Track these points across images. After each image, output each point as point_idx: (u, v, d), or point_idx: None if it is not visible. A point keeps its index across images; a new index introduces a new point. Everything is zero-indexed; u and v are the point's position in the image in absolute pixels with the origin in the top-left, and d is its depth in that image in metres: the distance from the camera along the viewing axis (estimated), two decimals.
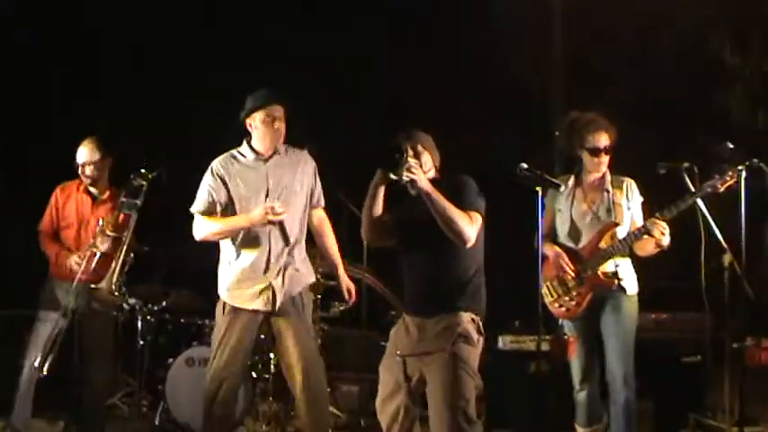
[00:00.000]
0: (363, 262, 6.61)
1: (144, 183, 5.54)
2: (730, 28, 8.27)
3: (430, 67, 8.34)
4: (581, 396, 5.42)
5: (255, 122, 5.20)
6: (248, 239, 5.16)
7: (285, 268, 5.18)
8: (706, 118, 8.10)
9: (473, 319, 4.43)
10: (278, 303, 5.15)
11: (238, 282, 5.19)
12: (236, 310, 5.18)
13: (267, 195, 5.17)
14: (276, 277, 5.16)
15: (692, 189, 5.11)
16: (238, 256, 5.19)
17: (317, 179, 5.41)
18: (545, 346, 5.54)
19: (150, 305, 6.88)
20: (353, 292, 5.50)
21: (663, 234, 5.14)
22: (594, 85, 8.28)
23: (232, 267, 5.21)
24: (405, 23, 8.52)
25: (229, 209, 5.19)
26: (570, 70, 8.60)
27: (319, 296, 6.34)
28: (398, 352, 4.50)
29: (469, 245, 4.35)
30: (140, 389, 6.79)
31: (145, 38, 8.40)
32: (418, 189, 4.28)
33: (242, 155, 5.25)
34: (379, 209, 4.49)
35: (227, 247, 5.24)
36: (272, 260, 5.15)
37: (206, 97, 8.15)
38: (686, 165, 5.10)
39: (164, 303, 6.93)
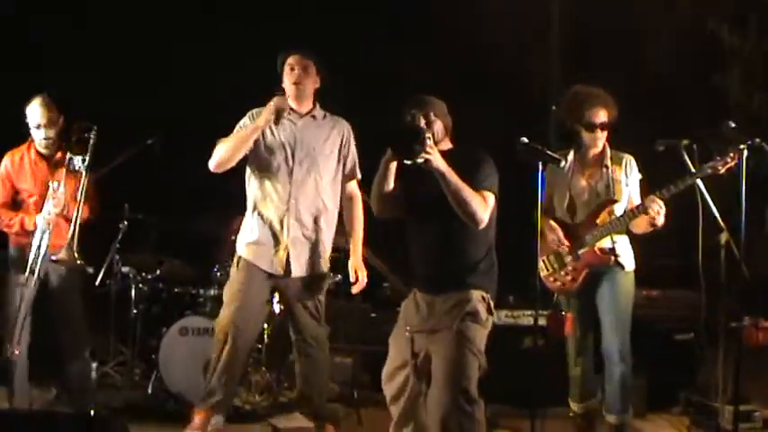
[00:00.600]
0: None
1: (88, 135, 5.36)
2: (729, 9, 8.25)
3: (427, 52, 8.35)
4: (576, 371, 5.44)
5: (284, 74, 5.27)
6: (272, 195, 5.14)
7: (306, 236, 5.18)
8: (704, 99, 8.10)
9: (483, 297, 4.35)
10: (292, 269, 5.14)
11: (257, 238, 5.17)
12: (250, 266, 5.15)
13: (293, 151, 5.18)
14: (294, 241, 5.15)
15: (692, 167, 5.10)
16: (260, 214, 5.17)
17: (352, 148, 5.38)
18: (542, 322, 5.53)
19: (143, 274, 6.87)
20: (362, 280, 5.37)
21: (658, 213, 5.14)
22: (591, 66, 8.26)
23: (253, 224, 5.18)
24: (404, 19, 8.54)
25: (253, 153, 5.17)
26: (567, 51, 8.59)
27: None
28: (407, 328, 4.45)
29: (482, 227, 4.27)
30: (133, 358, 6.79)
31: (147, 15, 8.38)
32: (433, 169, 4.14)
33: None
34: (390, 184, 4.37)
35: (251, 202, 5.22)
36: (293, 221, 5.13)
37: (206, 69, 8.13)
38: (685, 142, 5.09)
39: (157, 272, 6.92)
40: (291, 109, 5.26)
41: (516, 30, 8.23)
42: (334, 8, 8.61)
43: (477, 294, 4.32)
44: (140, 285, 6.83)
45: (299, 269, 5.18)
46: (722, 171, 5.07)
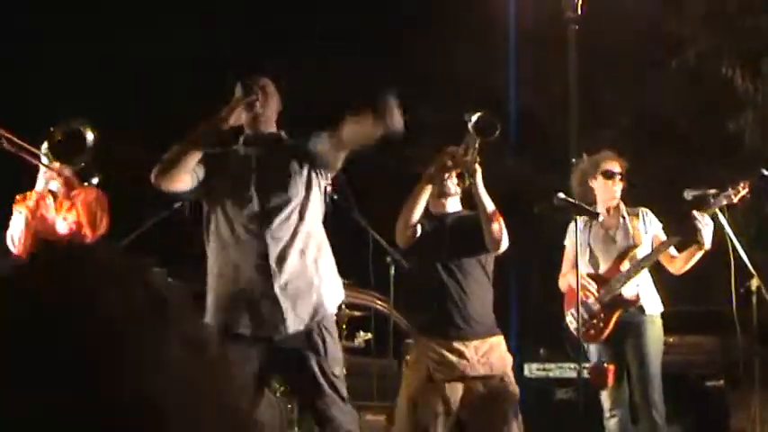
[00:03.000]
0: (390, 291, 6.55)
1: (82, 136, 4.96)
2: (742, 55, 8.36)
3: (437, 93, 8.47)
4: (612, 422, 5.40)
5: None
6: (240, 236, 4.02)
7: (291, 281, 3.98)
8: (718, 144, 8.18)
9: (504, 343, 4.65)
10: (285, 327, 3.95)
11: (226, 298, 4.02)
12: (224, 336, 3.89)
13: (253, 180, 4.09)
14: (280, 291, 3.95)
15: (721, 216, 5.15)
16: (228, 260, 4.05)
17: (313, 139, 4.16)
18: (573, 374, 5.54)
19: None
20: None
21: (706, 224, 5.06)
22: (606, 114, 8.36)
23: (221, 278, 4.08)
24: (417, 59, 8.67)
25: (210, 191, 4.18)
26: (582, 98, 8.69)
27: (344, 326, 6.39)
28: (435, 377, 4.50)
29: (500, 250, 4.47)
30: None
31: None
32: (477, 180, 4.34)
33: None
34: (420, 212, 4.48)
35: (212, 252, 4.14)
36: (273, 265, 3.96)
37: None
38: (713, 191, 5.16)
39: None
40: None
41: (532, 61, 8.33)
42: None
43: (503, 340, 4.62)
44: None
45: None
46: (735, 200, 5.16)
